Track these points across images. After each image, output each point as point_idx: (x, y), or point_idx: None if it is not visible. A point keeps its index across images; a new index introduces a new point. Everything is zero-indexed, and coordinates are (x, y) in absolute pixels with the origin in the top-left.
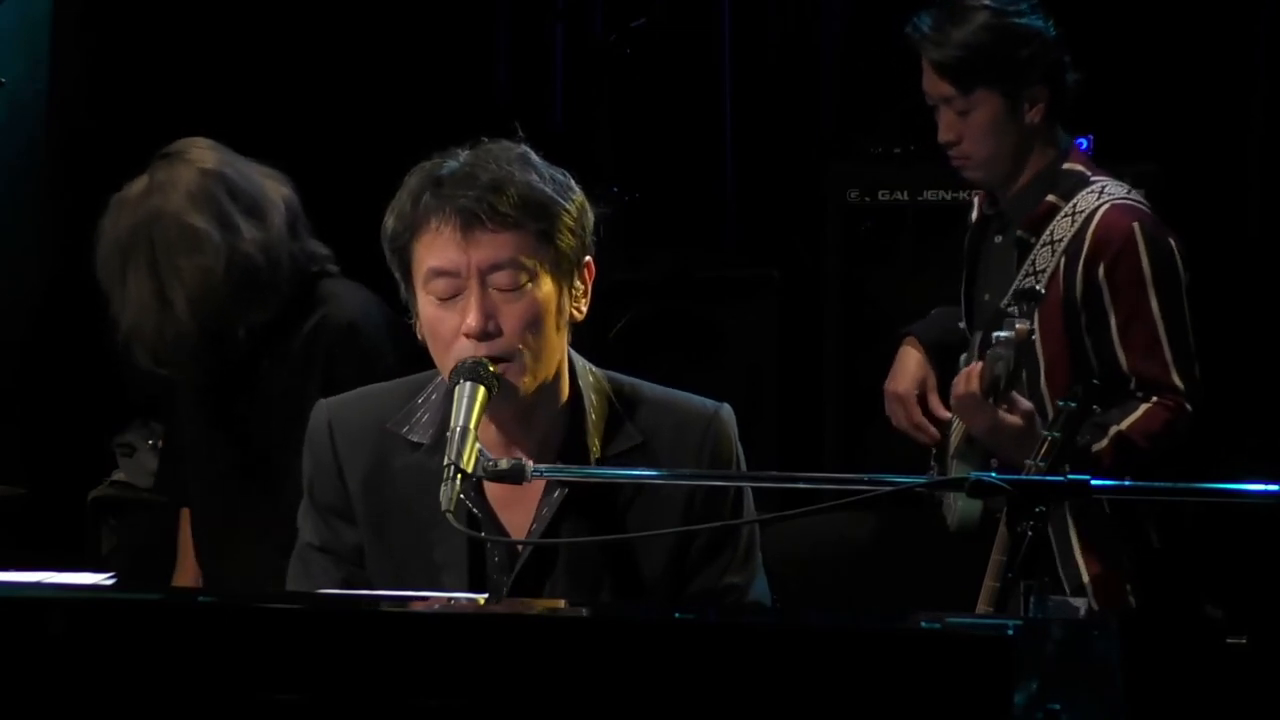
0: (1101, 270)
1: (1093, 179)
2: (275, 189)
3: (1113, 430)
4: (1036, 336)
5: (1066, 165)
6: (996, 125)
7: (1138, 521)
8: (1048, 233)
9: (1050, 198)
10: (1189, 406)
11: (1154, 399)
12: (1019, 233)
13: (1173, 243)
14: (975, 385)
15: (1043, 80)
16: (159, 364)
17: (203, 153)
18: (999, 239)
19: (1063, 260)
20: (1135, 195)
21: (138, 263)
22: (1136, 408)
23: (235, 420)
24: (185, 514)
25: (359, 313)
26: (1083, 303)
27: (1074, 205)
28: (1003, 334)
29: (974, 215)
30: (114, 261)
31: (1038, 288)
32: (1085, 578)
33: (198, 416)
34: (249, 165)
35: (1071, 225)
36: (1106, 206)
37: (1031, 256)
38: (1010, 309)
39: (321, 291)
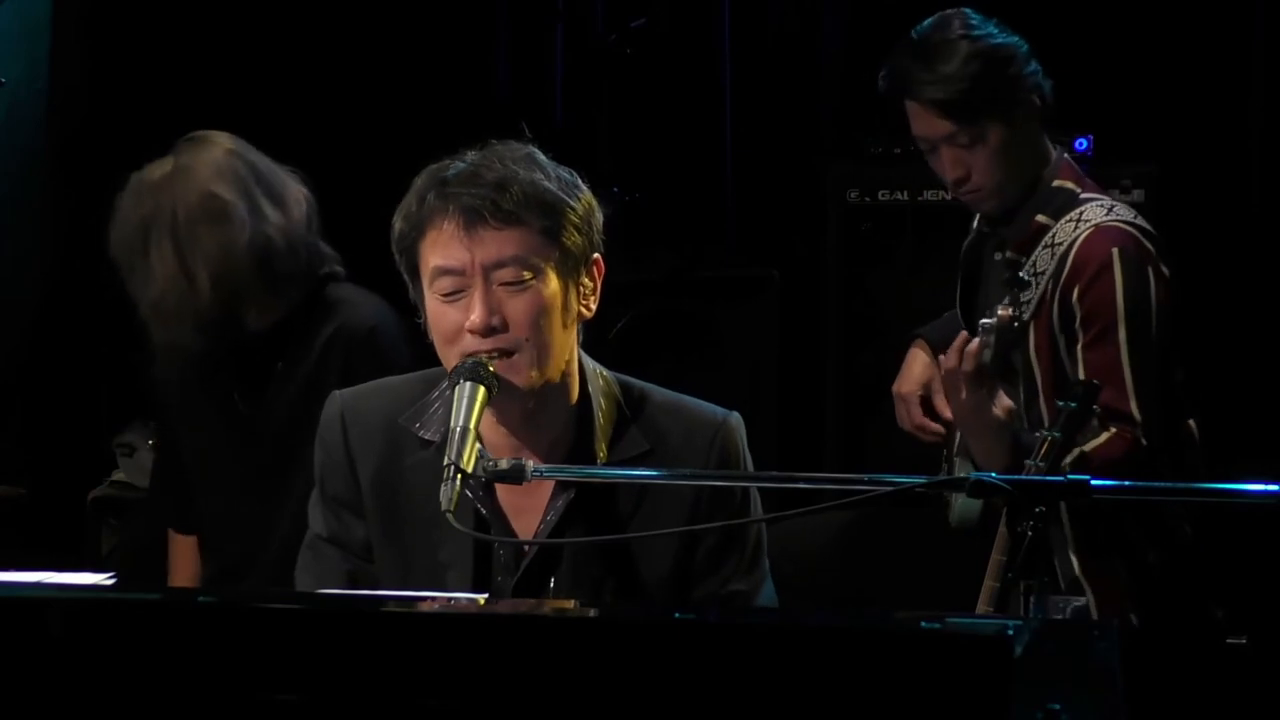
0: (1076, 293)
1: (1083, 196)
2: (296, 186)
3: (1075, 451)
4: (1034, 358)
5: (1056, 182)
6: (1004, 150)
7: (1134, 541)
8: (1038, 250)
9: (1040, 218)
10: (1144, 441)
11: (1112, 428)
12: (1008, 254)
13: (1151, 271)
14: (970, 364)
15: (1031, 92)
16: (175, 341)
17: (227, 138)
18: (999, 256)
19: (1049, 285)
20: (1125, 213)
21: (160, 235)
22: (1100, 433)
23: (246, 423)
24: (174, 539)
25: (378, 318)
26: (1060, 326)
27: (1063, 224)
28: (987, 321)
29: (974, 225)
30: (135, 237)
31: (1023, 275)
32: (1087, 598)
33: (207, 419)
34: (271, 161)
35: (1060, 246)
36: (1089, 230)
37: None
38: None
39: (333, 296)
